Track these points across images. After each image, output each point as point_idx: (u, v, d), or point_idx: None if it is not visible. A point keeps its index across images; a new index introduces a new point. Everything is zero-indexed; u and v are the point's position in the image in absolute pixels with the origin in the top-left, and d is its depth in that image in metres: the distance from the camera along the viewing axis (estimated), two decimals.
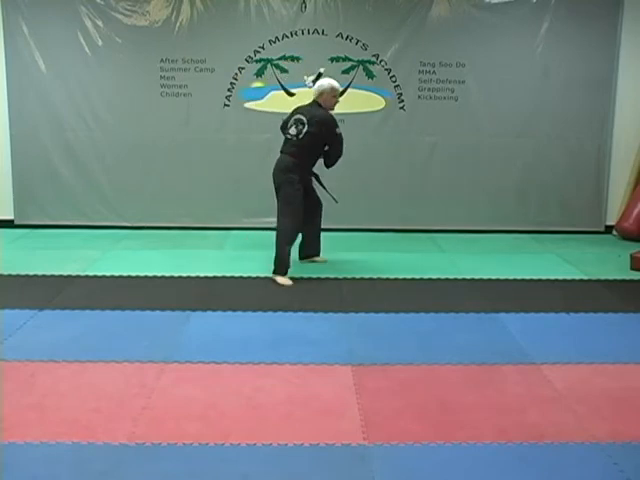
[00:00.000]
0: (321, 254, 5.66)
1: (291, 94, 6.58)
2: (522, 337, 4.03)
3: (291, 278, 5.10)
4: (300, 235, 5.44)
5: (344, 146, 5.15)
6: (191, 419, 3.00)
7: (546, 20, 6.61)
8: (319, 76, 5.05)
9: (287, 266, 5.15)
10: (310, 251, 5.62)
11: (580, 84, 6.70)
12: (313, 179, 5.31)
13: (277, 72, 6.61)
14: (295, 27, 6.57)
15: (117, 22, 6.52)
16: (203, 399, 3.20)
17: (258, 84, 6.67)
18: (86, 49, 6.54)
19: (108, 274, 5.23)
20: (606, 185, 6.93)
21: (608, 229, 6.95)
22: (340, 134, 5.09)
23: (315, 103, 5.15)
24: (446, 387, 3.37)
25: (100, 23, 6.51)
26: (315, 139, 5.05)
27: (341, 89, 5.15)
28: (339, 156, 5.17)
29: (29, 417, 3.00)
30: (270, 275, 5.15)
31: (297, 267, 5.34)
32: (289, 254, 5.17)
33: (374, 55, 6.63)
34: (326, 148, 5.11)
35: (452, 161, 6.83)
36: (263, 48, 6.59)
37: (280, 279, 5.08)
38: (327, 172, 5.31)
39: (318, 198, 5.46)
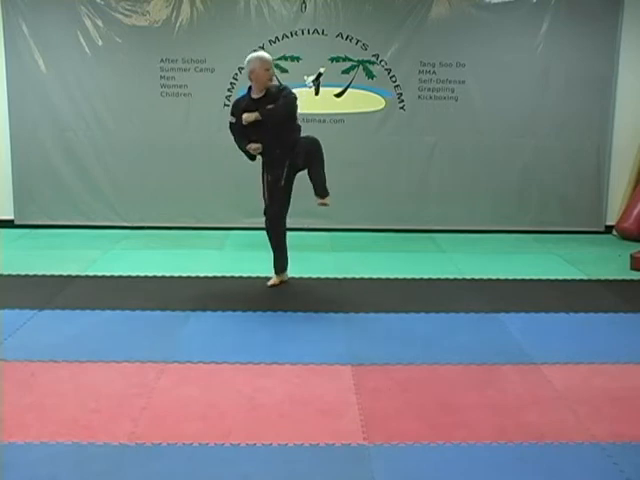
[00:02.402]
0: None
1: None
2: (522, 337, 4.03)
3: (291, 278, 5.09)
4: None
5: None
6: (191, 419, 3.00)
7: (546, 20, 6.61)
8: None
9: (279, 265, 5.01)
10: None
11: (580, 84, 6.70)
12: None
13: (277, 72, 6.60)
14: (295, 27, 6.57)
15: (117, 22, 6.52)
16: (203, 399, 3.20)
17: None
18: (86, 49, 6.54)
19: (108, 274, 5.23)
20: (606, 185, 6.93)
21: (608, 229, 6.94)
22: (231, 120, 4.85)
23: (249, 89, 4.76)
24: (446, 387, 3.37)
25: (100, 23, 6.51)
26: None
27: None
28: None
29: (29, 417, 3.00)
30: (270, 275, 5.11)
31: (297, 267, 5.31)
32: (280, 253, 5.01)
33: (374, 55, 6.63)
34: None
35: (452, 161, 6.82)
36: (263, 48, 6.56)
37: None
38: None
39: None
